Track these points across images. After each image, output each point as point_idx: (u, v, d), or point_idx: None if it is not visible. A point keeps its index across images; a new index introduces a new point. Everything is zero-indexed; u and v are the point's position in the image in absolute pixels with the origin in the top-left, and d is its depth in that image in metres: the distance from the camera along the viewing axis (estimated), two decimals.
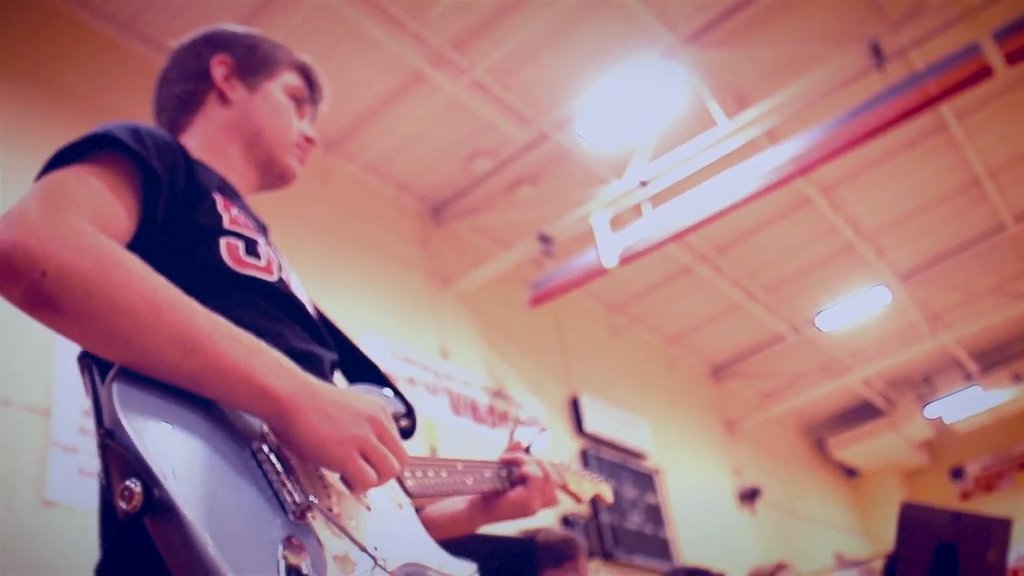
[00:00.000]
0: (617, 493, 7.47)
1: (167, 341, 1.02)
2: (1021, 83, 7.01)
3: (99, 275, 1.01)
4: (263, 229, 1.53)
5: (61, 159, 1.21)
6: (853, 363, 10.50)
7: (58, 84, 4.86)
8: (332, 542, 1.05)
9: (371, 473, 1.12)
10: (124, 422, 0.94)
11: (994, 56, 5.45)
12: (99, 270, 1.02)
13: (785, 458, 11.50)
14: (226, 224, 1.36)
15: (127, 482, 0.90)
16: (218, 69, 1.61)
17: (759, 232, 8.34)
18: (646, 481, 8.21)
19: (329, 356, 1.45)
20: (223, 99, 1.60)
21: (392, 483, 1.35)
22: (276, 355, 1.11)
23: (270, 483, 1.04)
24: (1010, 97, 7.20)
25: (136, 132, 1.26)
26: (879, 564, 3.13)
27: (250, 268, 1.35)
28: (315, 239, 5.99)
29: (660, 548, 7.91)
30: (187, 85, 1.62)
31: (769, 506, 10.19)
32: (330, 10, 5.28)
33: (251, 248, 1.38)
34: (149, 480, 0.90)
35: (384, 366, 1.62)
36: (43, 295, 1.00)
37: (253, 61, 1.63)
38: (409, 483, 1.39)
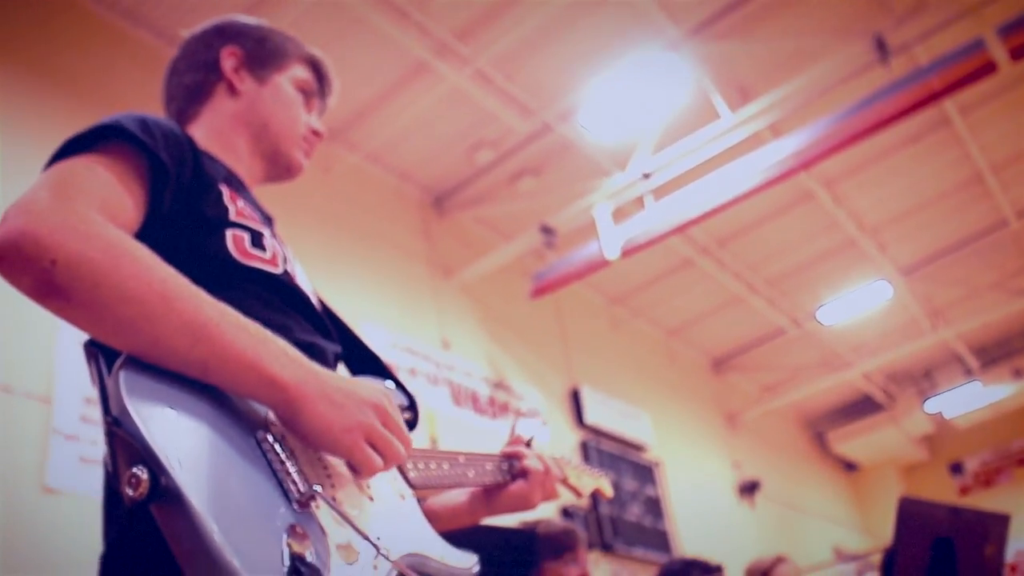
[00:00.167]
0: (617, 485, 7.49)
1: (176, 330, 1.03)
2: None
3: (108, 264, 1.02)
4: (269, 221, 1.54)
5: (70, 149, 1.22)
6: (854, 357, 10.51)
7: (62, 73, 4.85)
8: (335, 531, 1.06)
9: (377, 459, 1.15)
10: (131, 410, 0.95)
11: (998, 52, 5.44)
12: (108, 260, 1.03)
13: (785, 451, 11.52)
14: (232, 216, 1.37)
15: (134, 469, 0.91)
16: (228, 60, 1.61)
17: (761, 226, 8.35)
18: (646, 473, 8.23)
19: (333, 348, 1.46)
20: (232, 90, 1.61)
21: (395, 474, 1.36)
22: (282, 344, 1.12)
23: (274, 472, 1.05)
24: (1014, 93, 7.19)
25: (144, 123, 1.27)
26: (877, 558, 3.14)
27: (255, 260, 1.36)
28: (317, 229, 5.99)
29: (659, 540, 7.93)
30: (196, 75, 1.62)
31: (768, 499, 10.21)
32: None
33: (257, 240, 1.39)
34: (156, 468, 0.91)
35: (387, 359, 1.63)
36: (53, 284, 1.01)
37: (263, 53, 1.64)
38: (411, 474, 1.40)
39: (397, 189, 7.01)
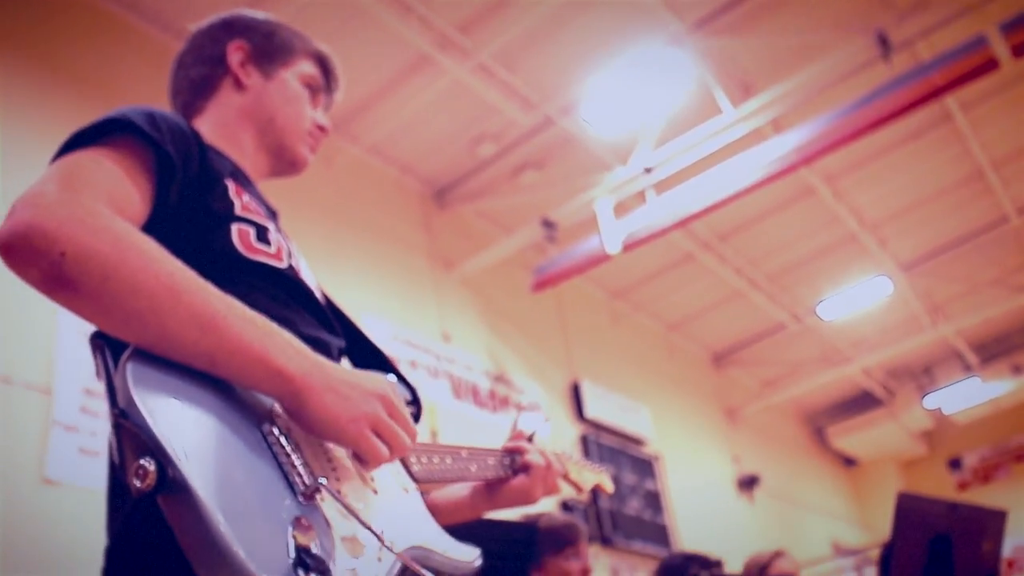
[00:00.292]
0: (616, 479, 7.51)
1: (184, 322, 1.04)
2: None
3: (117, 257, 1.03)
4: (273, 215, 1.54)
5: (76, 142, 1.23)
6: (854, 353, 10.52)
7: (65, 66, 4.84)
8: (340, 523, 1.07)
9: (383, 449, 1.16)
10: (138, 402, 0.96)
11: (1000, 48, 5.45)
12: (116, 253, 1.04)
13: (784, 446, 11.54)
14: (238, 210, 1.38)
15: (141, 461, 0.92)
16: (234, 55, 1.62)
17: (762, 221, 8.35)
18: (645, 467, 8.25)
19: (336, 342, 1.47)
20: (238, 85, 1.61)
21: (398, 467, 1.37)
22: (288, 336, 1.14)
23: (280, 464, 1.06)
24: (1015, 90, 7.19)
25: (151, 117, 1.28)
26: (876, 553, 3.16)
27: (260, 255, 1.37)
28: (318, 221, 6.00)
29: (659, 534, 7.96)
30: (203, 69, 1.63)
31: (768, 494, 10.24)
32: None
33: (262, 235, 1.39)
34: (163, 459, 0.92)
35: (390, 353, 1.64)
36: (62, 276, 1.01)
37: (270, 48, 1.64)
38: (415, 468, 1.42)
39: (398, 182, 7.02)
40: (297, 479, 1.05)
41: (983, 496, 11.41)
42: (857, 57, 5.91)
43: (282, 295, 1.38)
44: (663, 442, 8.68)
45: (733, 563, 4.94)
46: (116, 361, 1.05)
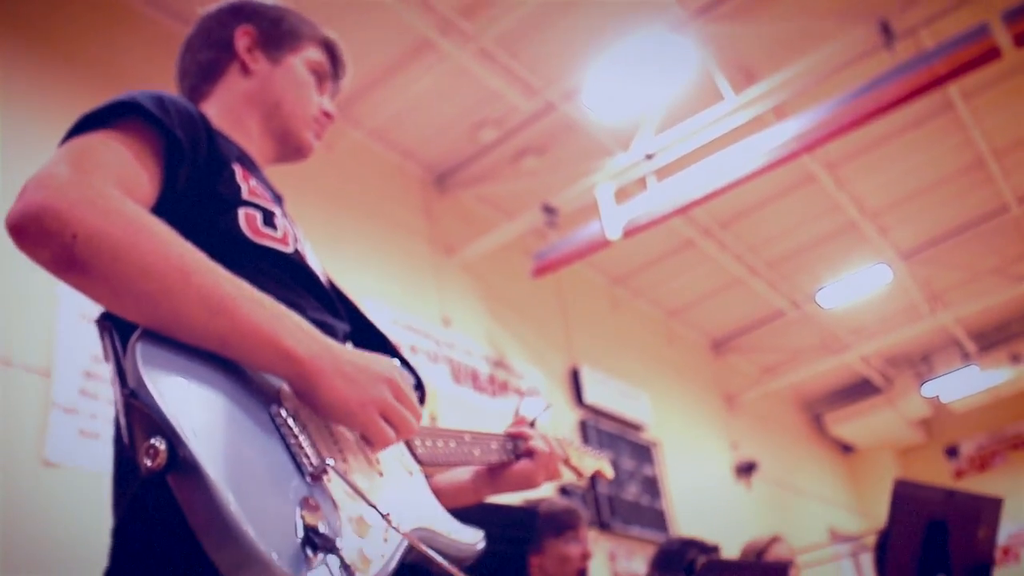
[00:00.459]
0: (615, 464, 7.50)
1: (195, 304, 1.05)
2: None
3: (128, 240, 1.05)
4: (279, 200, 1.55)
5: (85, 124, 1.24)
6: (852, 340, 10.54)
7: (64, 49, 4.80)
8: (347, 504, 1.09)
9: (391, 432, 1.19)
10: (148, 382, 0.98)
11: (1003, 37, 5.44)
12: (128, 235, 1.05)
13: (782, 433, 11.58)
14: (245, 195, 1.38)
15: (152, 440, 0.94)
16: (241, 40, 1.62)
17: (763, 208, 8.36)
18: (644, 453, 8.28)
19: (342, 327, 1.48)
20: (244, 70, 1.62)
21: (403, 450, 1.39)
22: (297, 319, 1.15)
23: (287, 445, 1.08)
24: (1017, 79, 7.18)
25: (160, 100, 1.29)
26: (872, 539, 3.17)
27: (267, 239, 1.38)
28: (319, 205, 6.00)
29: (656, 519, 7.99)
30: (210, 53, 1.63)
31: (765, 480, 10.27)
32: None
33: (268, 219, 1.40)
34: (173, 439, 0.94)
35: (394, 338, 1.65)
36: (73, 258, 1.03)
37: (277, 34, 1.64)
38: (419, 451, 1.43)
39: (399, 166, 7.01)
40: (305, 460, 1.07)
41: (979, 484, 11.46)
42: (859, 45, 5.90)
43: (288, 279, 1.39)
44: (662, 428, 8.71)
45: (730, 548, 4.96)
46: (123, 342, 1.06)
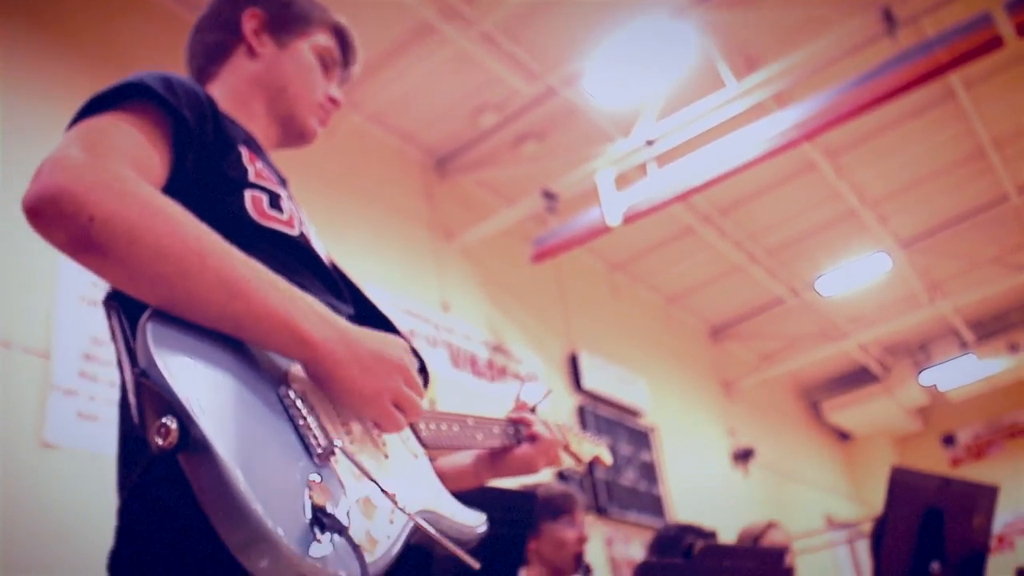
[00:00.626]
0: (613, 450, 7.50)
1: (210, 286, 1.06)
2: None
3: (144, 222, 1.05)
4: (284, 182, 1.56)
5: (95, 106, 1.24)
6: (851, 328, 10.56)
7: (65, 29, 4.78)
8: (354, 485, 1.10)
9: (402, 419, 1.22)
10: (159, 362, 0.99)
11: (1005, 27, 5.43)
12: (143, 217, 1.06)
13: (780, 420, 11.61)
14: (251, 177, 1.39)
15: (163, 419, 0.95)
16: (249, 22, 1.63)
17: (763, 195, 8.36)
18: (641, 439, 8.30)
19: (346, 310, 1.48)
20: (251, 52, 1.62)
21: (408, 433, 1.40)
22: (311, 301, 1.17)
23: (296, 426, 1.09)
24: (1019, 68, 7.17)
25: (168, 82, 1.29)
26: (868, 526, 3.20)
27: (273, 221, 1.39)
28: (319, 189, 5.99)
29: (653, 505, 8.02)
30: (218, 35, 1.64)
31: (762, 467, 10.31)
32: None
33: (274, 202, 1.41)
34: (184, 418, 0.95)
35: (397, 322, 1.66)
36: (90, 240, 1.03)
37: (286, 17, 1.65)
38: (424, 433, 1.45)
39: (399, 150, 7.01)
40: (313, 441, 1.08)
41: (976, 472, 11.50)
42: (862, 32, 5.89)
43: (293, 262, 1.40)
44: (659, 414, 8.74)
45: (727, 534, 4.99)
46: (131, 323, 1.07)
